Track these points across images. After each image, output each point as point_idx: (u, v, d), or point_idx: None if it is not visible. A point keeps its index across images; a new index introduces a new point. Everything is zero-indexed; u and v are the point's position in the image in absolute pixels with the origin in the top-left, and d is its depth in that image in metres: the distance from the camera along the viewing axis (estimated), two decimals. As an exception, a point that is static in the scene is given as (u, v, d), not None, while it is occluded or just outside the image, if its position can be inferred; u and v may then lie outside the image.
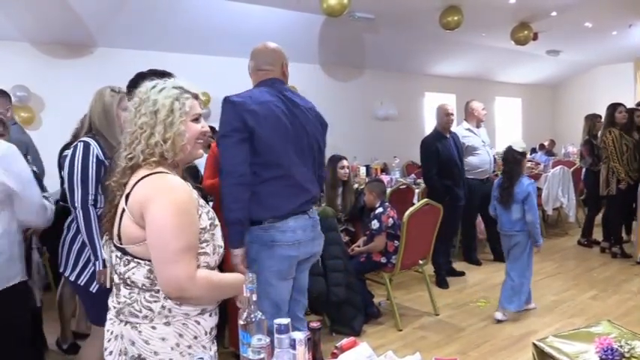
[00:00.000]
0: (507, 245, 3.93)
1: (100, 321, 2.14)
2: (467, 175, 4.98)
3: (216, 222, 1.56)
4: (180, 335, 1.45)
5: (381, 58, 8.41)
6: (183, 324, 1.46)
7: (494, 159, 5.57)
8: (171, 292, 1.40)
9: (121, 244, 1.45)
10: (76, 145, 2.33)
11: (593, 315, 3.86)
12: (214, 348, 1.55)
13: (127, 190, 1.45)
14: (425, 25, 7.17)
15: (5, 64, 5.33)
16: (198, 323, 1.49)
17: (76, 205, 2.27)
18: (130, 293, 1.45)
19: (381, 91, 8.94)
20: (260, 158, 2.19)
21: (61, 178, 2.71)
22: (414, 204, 4.05)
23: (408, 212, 3.70)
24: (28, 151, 3.59)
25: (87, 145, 2.30)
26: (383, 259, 3.82)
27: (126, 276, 1.44)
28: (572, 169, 6.72)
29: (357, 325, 3.67)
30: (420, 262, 4.01)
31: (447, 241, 4.90)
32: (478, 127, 5.29)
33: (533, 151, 9.52)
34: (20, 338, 2.26)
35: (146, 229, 1.40)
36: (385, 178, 5.86)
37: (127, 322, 1.45)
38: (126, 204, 1.43)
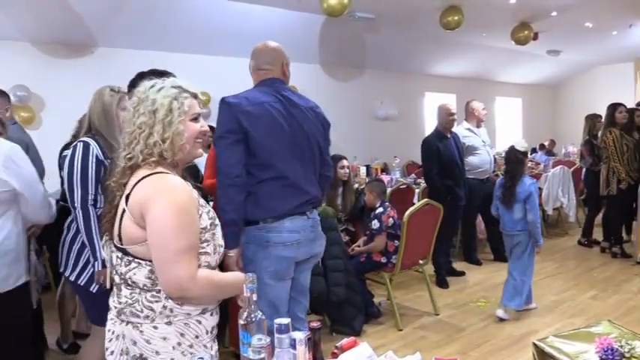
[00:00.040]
0: (509, 245, 3.94)
1: (101, 321, 2.14)
2: (467, 175, 4.98)
3: (217, 221, 1.56)
4: (182, 335, 1.45)
5: (381, 58, 8.41)
6: (185, 323, 1.46)
7: (495, 159, 5.57)
8: (172, 292, 1.40)
9: (121, 244, 1.45)
10: (76, 145, 2.33)
11: (594, 315, 3.86)
12: (215, 347, 1.56)
13: (126, 191, 1.45)
14: (425, 25, 7.17)
15: (5, 64, 5.33)
16: (200, 322, 1.49)
17: (76, 205, 2.26)
18: (131, 293, 1.45)
19: (381, 90, 8.94)
20: (256, 159, 2.19)
21: (61, 178, 2.71)
22: (414, 204, 4.05)
23: (408, 212, 3.70)
24: (28, 151, 3.58)
25: (86, 145, 2.30)
26: (383, 259, 3.82)
27: (127, 276, 1.44)
28: (572, 169, 6.72)
29: (358, 325, 3.67)
30: (420, 261, 4.01)
31: (447, 240, 4.90)
32: (478, 127, 5.29)
33: (534, 151, 9.52)
34: (21, 338, 2.27)
35: (147, 229, 1.40)
36: (385, 177, 5.86)
37: (128, 322, 1.45)
38: (126, 204, 1.43)
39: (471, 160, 5.10)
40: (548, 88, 12.83)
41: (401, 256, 3.72)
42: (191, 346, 1.47)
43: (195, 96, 1.55)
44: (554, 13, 7.08)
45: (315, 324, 1.43)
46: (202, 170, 3.36)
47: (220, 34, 6.42)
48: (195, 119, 1.54)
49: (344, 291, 3.57)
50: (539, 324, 3.77)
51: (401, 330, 3.74)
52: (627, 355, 1.82)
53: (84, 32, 5.67)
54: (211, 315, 1.53)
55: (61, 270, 2.47)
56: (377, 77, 8.86)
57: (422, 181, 5.93)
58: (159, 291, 1.43)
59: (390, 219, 3.83)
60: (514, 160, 3.85)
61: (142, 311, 1.43)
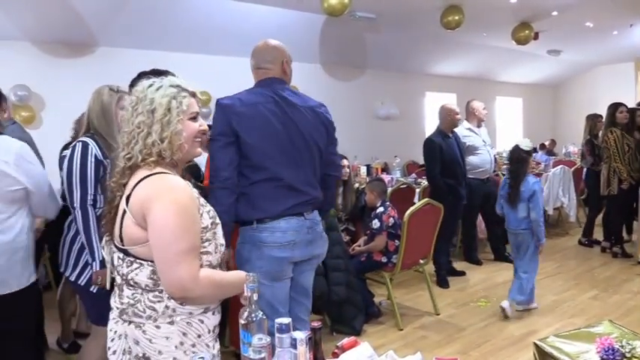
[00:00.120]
0: (514, 243, 3.98)
1: (101, 321, 2.15)
2: (467, 175, 4.98)
3: (217, 220, 1.56)
4: (184, 334, 1.45)
5: (381, 58, 8.41)
6: (187, 323, 1.46)
7: (495, 159, 5.57)
8: (175, 293, 1.41)
9: (123, 245, 1.45)
10: (75, 145, 2.32)
11: (594, 315, 3.86)
12: (217, 346, 1.56)
13: (127, 192, 1.45)
14: (426, 25, 7.17)
15: (6, 64, 5.33)
16: (202, 322, 1.49)
17: (75, 205, 2.26)
18: (133, 294, 1.45)
19: (381, 90, 8.94)
20: (248, 161, 2.18)
21: (61, 177, 2.71)
22: (414, 203, 4.05)
23: (408, 212, 3.70)
24: (29, 151, 3.59)
25: (85, 145, 2.30)
26: (383, 259, 3.82)
27: (129, 277, 1.44)
28: (572, 168, 6.72)
29: (358, 325, 3.66)
30: (421, 261, 4.01)
31: (447, 240, 4.90)
32: (479, 126, 5.29)
33: (534, 150, 9.51)
34: (29, 337, 2.28)
35: (148, 230, 1.39)
36: (386, 177, 5.86)
37: (130, 322, 1.45)
38: (127, 205, 1.43)
39: (471, 159, 5.10)
40: (548, 88, 12.82)
41: (401, 256, 3.72)
42: (193, 345, 1.46)
43: (193, 95, 1.55)
44: (554, 13, 7.07)
45: (315, 324, 1.43)
46: (203, 169, 3.35)
47: (221, 34, 6.42)
48: (193, 118, 1.53)
49: (344, 290, 3.57)
50: (540, 324, 3.77)
51: (401, 330, 3.74)
52: (628, 355, 1.81)
53: (84, 32, 5.67)
54: (213, 314, 1.53)
55: (62, 270, 2.47)
56: (377, 77, 8.86)
57: (422, 181, 5.93)
58: (161, 291, 1.43)
59: (391, 218, 3.83)
60: (518, 159, 3.88)
61: (144, 311, 1.43)
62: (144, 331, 1.43)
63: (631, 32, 8.39)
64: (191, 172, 2.29)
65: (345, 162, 4.49)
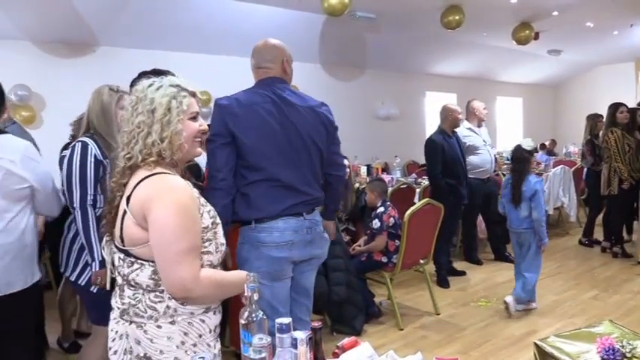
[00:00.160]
0: (516, 242, 4.00)
1: (101, 321, 2.15)
2: (468, 175, 4.98)
3: (218, 220, 1.56)
4: (186, 334, 1.45)
5: (382, 58, 8.41)
6: (189, 322, 1.46)
7: (495, 158, 5.56)
8: (176, 293, 1.41)
9: (123, 246, 1.45)
10: (74, 145, 2.32)
11: (594, 315, 3.86)
12: (218, 346, 1.56)
13: (127, 192, 1.45)
14: (426, 25, 7.17)
15: (7, 63, 5.32)
16: (203, 321, 1.49)
17: (75, 205, 2.26)
18: (134, 294, 1.45)
19: (382, 90, 8.93)
20: (245, 161, 2.18)
21: (61, 177, 2.71)
22: (414, 203, 4.05)
23: (408, 212, 3.70)
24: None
25: (85, 145, 2.30)
26: (384, 259, 3.82)
27: (130, 277, 1.44)
28: (573, 168, 6.72)
29: (358, 325, 3.66)
30: (421, 261, 4.01)
31: (447, 240, 4.90)
32: (479, 126, 5.29)
33: (535, 150, 9.51)
34: (28, 339, 2.28)
35: (149, 230, 1.39)
36: (386, 177, 5.85)
37: (131, 322, 1.44)
38: (127, 206, 1.43)
39: (471, 159, 5.10)
40: (549, 88, 12.82)
41: (402, 256, 3.72)
42: (194, 345, 1.47)
43: (193, 94, 1.55)
44: (555, 13, 7.07)
45: (316, 323, 1.43)
46: (204, 169, 3.35)
47: (221, 34, 6.42)
48: (193, 118, 1.53)
49: (345, 290, 3.57)
50: (540, 324, 3.77)
51: (402, 330, 3.74)
52: (628, 355, 1.82)
53: (85, 31, 5.67)
54: (214, 314, 1.53)
55: (62, 270, 2.47)
56: (378, 77, 8.85)
57: (422, 181, 5.93)
58: (162, 291, 1.43)
59: (391, 218, 3.83)
60: (520, 158, 3.90)
61: (145, 311, 1.43)
62: (145, 331, 1.43)
63: (631, 32, 8.39)
64: (191, 172, 2.29)
65: (345, 162, 4.49)
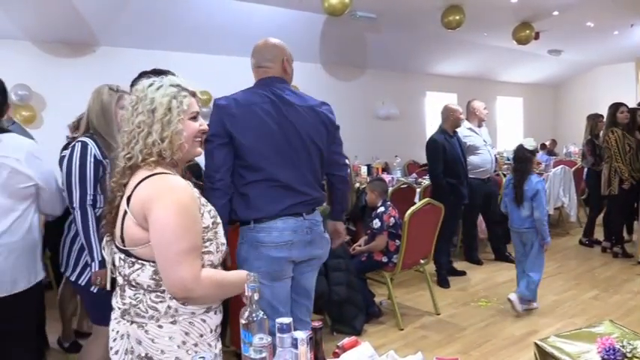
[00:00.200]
0: (518, 242, 4.01)
1: (101, 321, 2.15)
2: (468, 175, 4.98)
3: (218, 220, 1.55)
4: (187, 334, 1.45)
5: (382, 58, 8.40)
6: (190, 322, 1.46)
7: (496, 158, 5.56)
8: (177, 293, 1.41)
9: (124, 246, 1.45)
10: (74, 145, 2.32)
11: (595, 315, 3.85)
12: (219, 345, 1.56)
13: (127, 192, 1.44)
14: (426, 25, 7.16)
15: (7, 63, 5.32)
16: (204, 321, 1.49)
17: (74, 205, 2.26)
18: (135, 294, 1.45)
19: (382, 90, 8.93)
20: (243, 161, 2.17)
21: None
22: (415, 203, 4.05)
23: (409, 212, 3.70)
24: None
25: (84, 145, 2.29)
26: (384, 259, 3.82)
27: (131, 278, 1.44)
28: (573, 168, 6.72)
29: (359, 325, 3.67)
30: (422, 261, 4.01)
31: (447, 240, 4.91)
32: (479, 126, 5.30)
33: (536, 150, 9.52)
34: (29, 339, 2.29)
35: (149, 230, 1.39)
36: (386, 177, 5.86)
37: (133, 322, 1.44)
38: (127, 206, 1.43)
39: (472, 159, 5.10)
40: (549, 88, 12.82)
41: (402, 256, 3.72)
42: (196, 345, 1.47)
43: (193, 94, 1.54)
44: (555, 13, 7.07)
45: (316, 323, 1.43)
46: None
47: (222, 34, 6.42)
48: (194, 118, 1.53)
49: (345, 290, 3.57)
50: (541, 324, 3.77)
51: (402, 329, 3.74)
52: (629, 355, 1.81)
53: (85, 31, 5.67)
54: (215, 313, 1.53)
55: (62, 270, 2.47)
56: (378, 77, 8.85)
57: (423, 181, 5.93)
58: (163, 291, 1.43)
59: (392, 218, 3.83)
60: (522, 158, 3.92)
61: (146, 311, 1.43)
62: (146, 331, 1.43)
63: (632, 32, 8.39)
64: (192, 172, 2.29)
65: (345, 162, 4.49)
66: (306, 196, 2.25)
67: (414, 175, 6.63)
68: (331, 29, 7.02)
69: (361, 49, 7.99)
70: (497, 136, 10.53)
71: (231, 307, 2.73)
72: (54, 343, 3.47)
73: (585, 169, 6.28)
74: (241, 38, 5.99)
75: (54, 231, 2.73)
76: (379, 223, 3.80)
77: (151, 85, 1.49)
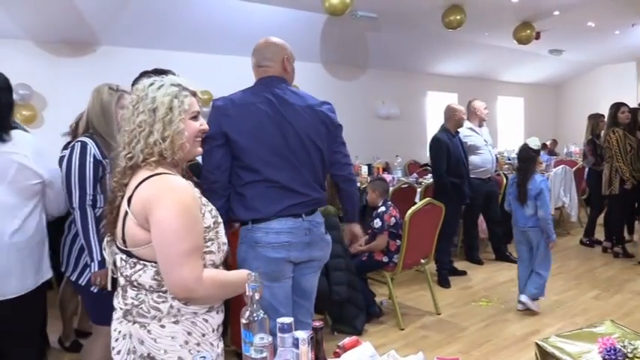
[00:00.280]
0: (522, 240, 4.02)
1: (102, 321, 2.15)
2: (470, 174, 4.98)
3: (220, 219, 1.55)
4: (189, 333, 1.45)
5: (383, 57, 8.40)
6: (192, 322, 1.46)
7: (496, 158, 5.56)
8: (178, 293, 1.40)
9: (125, 247, 1.44)
10: (74, 145, 2.32)
11: (596, 315, 3.85)
12: (221, 345, 1.56)
13: (128, 193, 1.44)
14: (427, 25, 7.16)
15: (8, 62, 5.27)
16: (206, 321, 1.49)
17: (74, 205, 2.26)
18: (137, 295, 1.44)
19: (383, 90, 8.93)
20: (240, 162, 2.16)
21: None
22: (415, 203, 4.05)
23: (409, 211, 3.70)
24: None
25: (84, 145, 2.29)
26: (385, 258, 3.82)
27: (132, 278, 1.44)
28: (574, 168, 6.72)
29: (359, 325, 3.66)
30: (422, 261, 4.00)
31: (448, 240, 4.90)
32: (480, 126, 5.30)
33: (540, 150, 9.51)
34: (34, 340, 2.29)
35: (151, 231, 1.39)
36: (387, 177, 5.86)
37: (135, 322, 1.44)
38: (128, 207, 1.42)
39: (473, 159, 5.10)
40: (550, 88, 12.80)
41: (402, 256, 3.72)
42: (198, 344, 1.47)
43: (194, 94, 1.54)
44: (556, 13, 7.06)
45: (317, 323, 1.43)
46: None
47: (222, 33, 6.42)
48: (194, 117, 1.53)
49: (345, 290, 3.57)
50: (541, 324, 3.77)
51: (402, 329, 3.74)
52: (630, 355, 1.81)
53: (86, 31, 5.68)
54: (217, 313, 1.53)
55: (62, 270, 2.47)
56: (379, 76, 8.85)
57: (423, 181, 5.93)
58: (165, 291, 1.42)
59: (392, 218, 3.83)
60: (527, 157, 3.94)
61: (148, 312, 1.43)
62: (149, 331, 1.43)
63: (633, 32, 8.37)
64: (193, 171, 2.28)
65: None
66: (306, 197, 2.23)
67: (415, 174, 6.64)
68: (332, 29, 7.01)
69: (362, 49, 7.99)
70: (497, 136, 10.53)
71: (231, 306, 2.73)
72: (54, 343, 3.47)
73: (586, 169, 6.28)
74: (242, 38, 5.99)
75: (54, 231, 2.72)
76: (380, 223, 3.80)
77: (151, 84, 1.49)
